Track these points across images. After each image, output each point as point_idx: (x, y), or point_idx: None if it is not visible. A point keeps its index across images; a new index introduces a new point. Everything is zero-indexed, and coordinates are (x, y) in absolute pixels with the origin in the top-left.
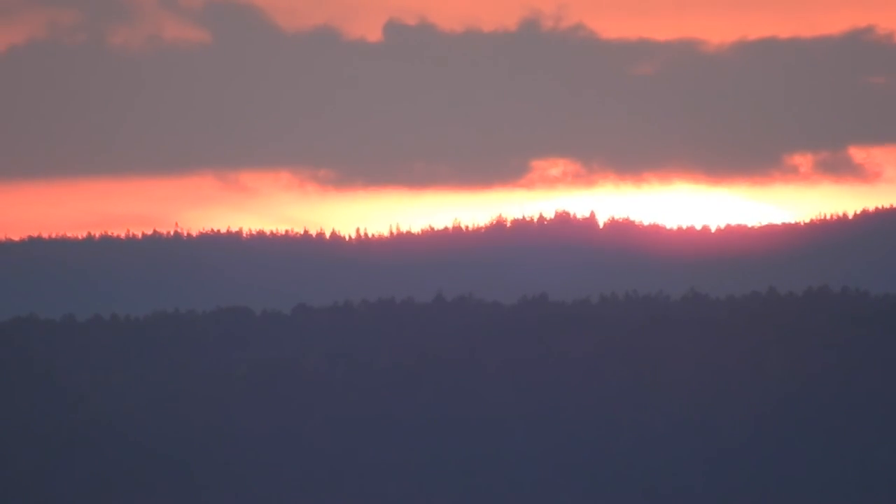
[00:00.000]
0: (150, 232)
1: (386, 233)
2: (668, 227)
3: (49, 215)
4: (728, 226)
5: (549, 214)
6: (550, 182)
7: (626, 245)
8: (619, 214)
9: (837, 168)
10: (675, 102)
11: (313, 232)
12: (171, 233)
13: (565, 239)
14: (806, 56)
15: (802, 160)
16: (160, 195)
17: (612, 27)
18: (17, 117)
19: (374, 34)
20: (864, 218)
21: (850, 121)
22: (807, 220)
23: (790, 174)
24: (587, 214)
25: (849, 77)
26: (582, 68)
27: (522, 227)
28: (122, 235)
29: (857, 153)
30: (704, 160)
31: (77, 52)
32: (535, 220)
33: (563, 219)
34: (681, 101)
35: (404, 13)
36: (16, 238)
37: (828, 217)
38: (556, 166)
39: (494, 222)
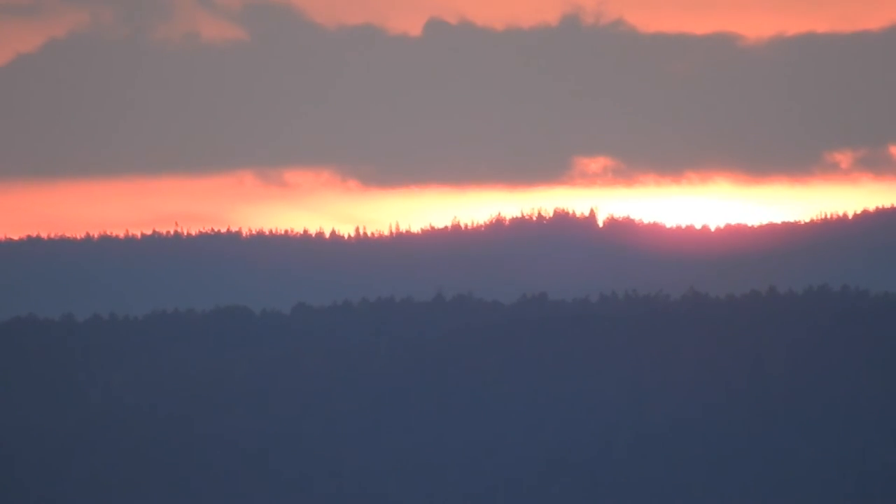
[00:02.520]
0: (149, 232)
1: (386, 232)
2: (667, 225)
3: (92, 214)
4: (728, 225)
5: (557, 213)
6: (591, 179)
7: (626, 244)
8: (619, 213)
9: (878, 165)
10: (714, 99)
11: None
12: (171, 233)
13: (565, 238)
14: (845, 51)
15: (843, 157)
16: (201, 193)
17: (652, 22)
18: (48, 114)
19: (415, 32)
20: (864, 217)
21: (890, 117)
22: (807, 220)
23: (830, 171)
24: (587, 213)
25: (889, 72)
26: (622, 64)
27: (522, 226)
28: (122, 235)
29: None
30: (744, 157)
31: (114, 48)
32: (535, 218)
33: (563, 217)
34: (720, 98)
35: (445, 11)
36: (15, 238)
37: (828, 216)
38: (597, 163)
39: (494, 221)
